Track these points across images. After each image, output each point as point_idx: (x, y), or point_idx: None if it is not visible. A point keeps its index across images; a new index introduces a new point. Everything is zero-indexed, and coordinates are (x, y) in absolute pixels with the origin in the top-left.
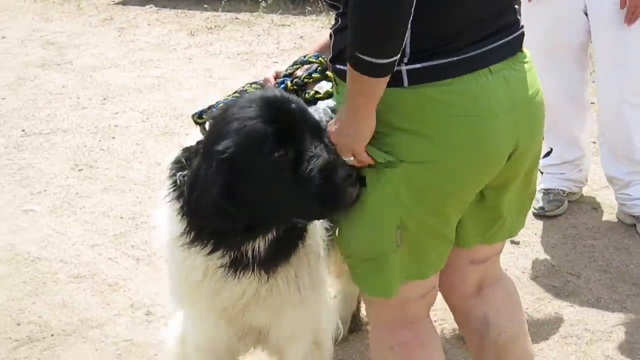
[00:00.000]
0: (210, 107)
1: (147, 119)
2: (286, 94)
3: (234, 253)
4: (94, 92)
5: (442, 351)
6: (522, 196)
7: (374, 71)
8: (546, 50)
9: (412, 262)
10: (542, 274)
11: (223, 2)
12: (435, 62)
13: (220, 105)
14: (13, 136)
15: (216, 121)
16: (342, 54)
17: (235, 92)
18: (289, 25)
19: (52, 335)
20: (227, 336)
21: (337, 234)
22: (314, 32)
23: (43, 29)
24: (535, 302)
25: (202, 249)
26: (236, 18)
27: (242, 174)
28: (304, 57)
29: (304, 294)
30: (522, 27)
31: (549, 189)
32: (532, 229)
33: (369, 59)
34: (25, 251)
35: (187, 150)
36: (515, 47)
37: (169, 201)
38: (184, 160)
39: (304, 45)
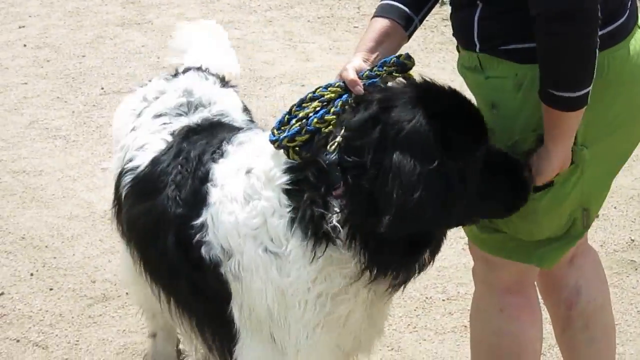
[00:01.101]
0: (293, 127)
1: None
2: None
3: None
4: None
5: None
6: None
7: (572, 105)
8: None
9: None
10: (621, 248)
11: None
12: (613, 26)
13: (306, 112)
14: (92, 94)
15: (395, 121)
16: (502, 38)
17: (313, 99)
18: None
19: (127, 293)
20: None
21: (506, 227)
22: None
23: None
24: (613, 276)
25: (390, 274)
26: None
27: (458, 173)
28: (398, 57)
29: None
30: None
31: None
32: (611, 202)
33: (567, 94)
34: (102, 209)
35: (300, 192)
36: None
37: (320, 253)
38: (319, 199)
39: None
